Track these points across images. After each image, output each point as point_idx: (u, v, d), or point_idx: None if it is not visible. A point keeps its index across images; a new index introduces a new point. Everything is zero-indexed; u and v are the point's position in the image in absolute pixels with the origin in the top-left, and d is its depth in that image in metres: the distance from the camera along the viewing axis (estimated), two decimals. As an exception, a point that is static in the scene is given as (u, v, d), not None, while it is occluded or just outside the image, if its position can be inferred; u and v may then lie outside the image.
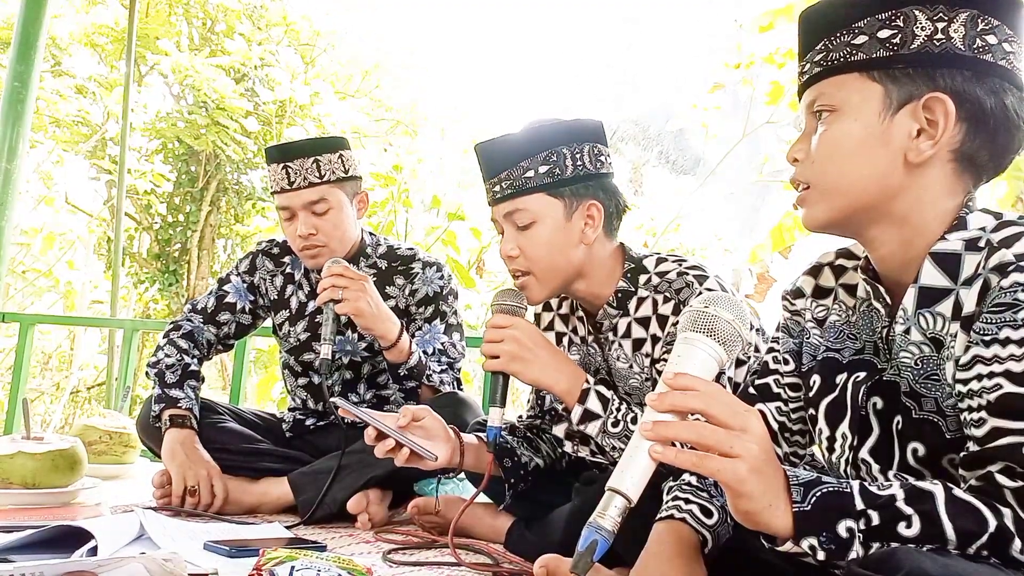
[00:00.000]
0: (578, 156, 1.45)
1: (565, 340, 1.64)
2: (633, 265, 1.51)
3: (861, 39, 0.92)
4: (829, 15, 0.95)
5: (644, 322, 1.47)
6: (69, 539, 1.29)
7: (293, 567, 1.12)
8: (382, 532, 1.76)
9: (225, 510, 1.87)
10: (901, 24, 0.90)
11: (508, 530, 1.62)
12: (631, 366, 1.50)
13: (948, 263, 0.90)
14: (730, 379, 1.40)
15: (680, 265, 1.47)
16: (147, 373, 2.05)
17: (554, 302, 1.66)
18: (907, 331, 0.93)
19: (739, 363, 1.42)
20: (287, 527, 1.71)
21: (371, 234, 2.14)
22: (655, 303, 1.46)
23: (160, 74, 9.24)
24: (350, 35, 10.08)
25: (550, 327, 1.66)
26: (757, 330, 1.47)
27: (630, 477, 0.84)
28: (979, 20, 0.88)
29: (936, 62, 0.89)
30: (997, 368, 0.82)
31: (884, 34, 0.90)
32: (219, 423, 2.04)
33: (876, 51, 0.91)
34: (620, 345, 1.50)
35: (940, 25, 0.88)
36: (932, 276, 0.91)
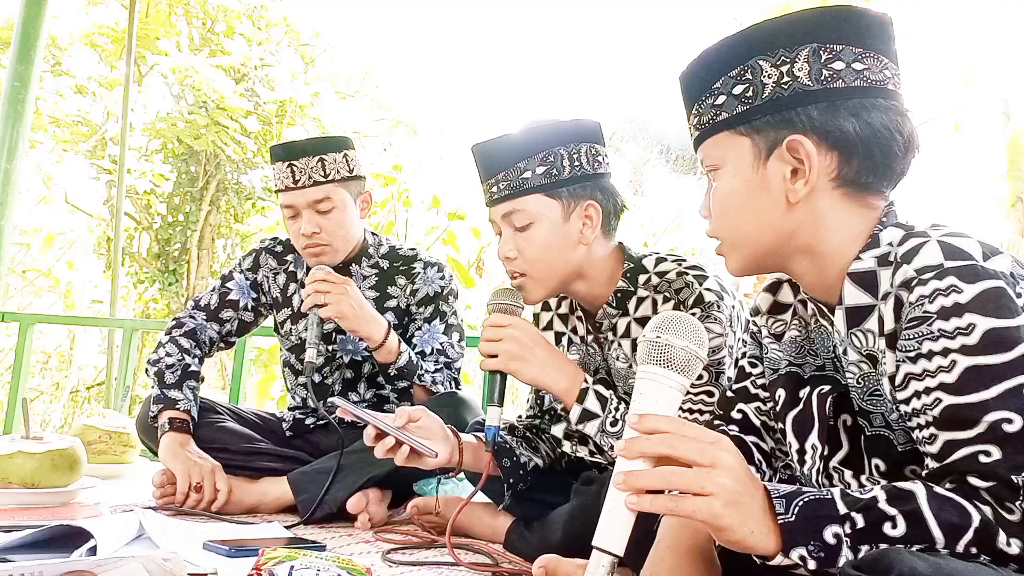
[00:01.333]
0: (575, 156, 1.45)
1: (564, 340, 1.64)
2: (632, 265, 1.50)
3: (722, 99, 0.96)
4: (693, 80, 1.00)
5: (644, 322, 1.47)
6: (69, 539, 1.29)
7: (292, 567, 1.12)
8: (382, 532, 1.76)
9: (225, 510, 1.87)
10: (750, 77, 0.93)
11: (507, 530, 1.62)
12: (630, 366, 1.50)
13: (866, 280, 0.92)
14: (729, 379, 1.40)
15: (680, 265, 1.47)
16: (147, 371, 2.05)
17: (553, 302, 1.66)
18: (844, 352, 0.95)
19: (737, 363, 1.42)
20: (286, 527, 1.71)
21: (373, 234, 2.14)
22: (655, 303, 1.46)
23: (160, 74, 9.24)
24: (350, 35, 10.08)
25: (549, 327, 1.66)
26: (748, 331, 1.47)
27: (613, 534, 0.85)
28: (821, 51, 0.91)
29: (789, 104, 0.92)
30: (931, 383, 0.83)
31: (738, 90, 0.94)
32: (218, 423, 2.04)
33: (735, 108, 0.95)
34: (619, 345, 1.50)
35: (784, 68, 0.92)
36: (854, 296, 0.93)
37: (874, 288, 0.91)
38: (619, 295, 1.49)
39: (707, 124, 0.98)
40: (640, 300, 1.48)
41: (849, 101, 0.90)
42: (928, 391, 0.83)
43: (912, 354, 0.85)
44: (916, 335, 0.84)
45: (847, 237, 0.94)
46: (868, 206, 0.95)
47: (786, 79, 0.91)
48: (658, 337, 0.91)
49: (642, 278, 1.49)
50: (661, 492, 0.82)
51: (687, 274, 1.44)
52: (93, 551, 1.24)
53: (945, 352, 0.82)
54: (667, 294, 1.44)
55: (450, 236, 5.61)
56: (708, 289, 1.40)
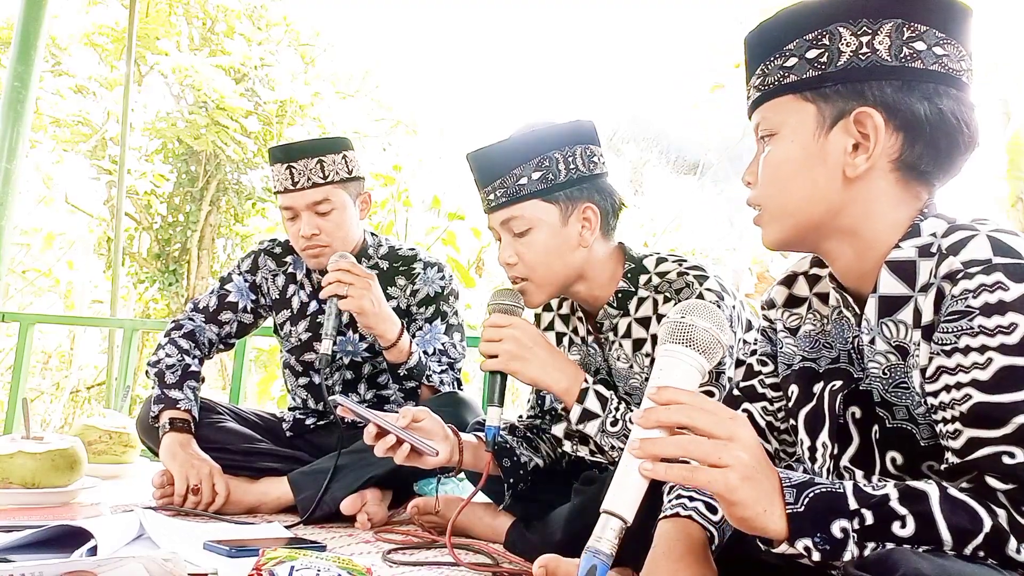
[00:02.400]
0: (570, 159, 1.45)
1: (565, 340, 1.64)
2: (633, 265, 1.50)
3: (792, 61, 0.93)
4: (764, 39, 0.97)
5: (644, 322, 1.47)
6: (69, 539, 1.29)
7: (293, 567, 1.12)
8: (382, 532, 1.76)
9: (225, 510, 1.87)
10: (827, 42, 0.91)
11: (508, 530, 1.62)
12: (631, 366, 1.50)
13: (904, 270, 0.90)
14: (730, 379, 1.40)
15: (680, 265, 1.47)
16: (147, 372, 2.05)
17: (554, 302, 1.66)
18: (872, 341, 0.94)
19: (739, 363, 1.42)
20: (287, 527, 1.71)
21: (373, 234, 2.14)
22: (655, 303, 1.46)
23: (160, 74, 9.24)
24: (350, 35, 10.08)
25: (550, 327, 1.66)
26: (757, 329, 1.47)
27: (624, 498, 0.84)
28: (905, 28, 0.89)
29: (863, 76, 0.89)
30: (964, 378, 0.82)
31: (812, 54, 0.92)
32: (219, 423, 2.03)
33: (806, 71, 0.92)
34: (620, 345, 1.50)
35: (865, 39, 0.89)
36: (890, 285, 0.91)
37: (911, 278, 0.90)
38: (620, 295, 1.49)
39: (771, 85, 0.95)
40: (641, 300, 1.48)
41: (924, 84, 0.88)
42: (959, 386, 0.82)
43: (948, 347, 0.83)
44: (955, 329, 0.83)
45: (891, 224, 0.92)
46: (916, 196, 0.93)
47: (865, 50, 0.89)
48: (683, 317, 0.91)
49: (643, 278, 1.49)
50: (676, 462, 0.82)
51: (688, 274, 1.44)
52: (93, 551, 1.24)
53: (982, 349, 0.81)
54: (667, 294, 1.44)
55: (450, 236, 5.61)
56: (709, 289, 1.40)
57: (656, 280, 1.47)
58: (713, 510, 1.07)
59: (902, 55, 0.88)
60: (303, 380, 2.15)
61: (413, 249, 2.13)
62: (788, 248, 1.00)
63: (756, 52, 0.97)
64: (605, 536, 0.83)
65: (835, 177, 0.92)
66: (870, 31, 0.89)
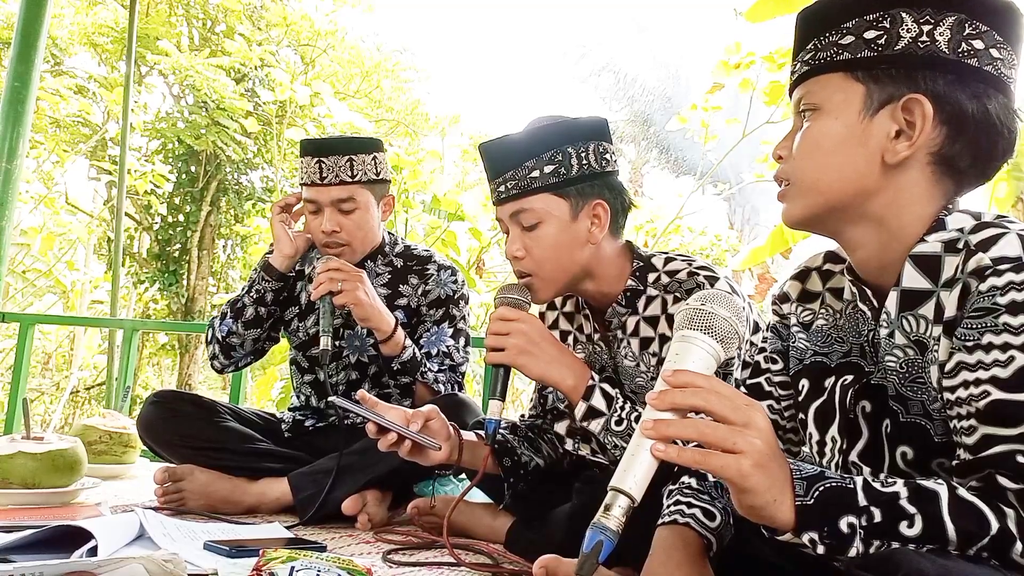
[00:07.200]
0: (583, 155, 1.44)
1: (570, 339, 1.63)
2: (641, 263, 1.50)
3: (848, 39, 0.92)
4: (821, 15, 0.96)
5: (652, 321, 1.46)
6: (69, 539, 1.29)
7: (293, 567, 1.12)
8: (382, 532, 1.76)
9: (224, 509, 1.87)
10: (888, 25, 0.90)
11: (508, 530, 1.62)
12: (638, 365, 1.49)
13: (928, 265, 0.90)
14: (736, 380, 1.40)
15: (690, 265, 1.46)
16: (220, 316, 2.08)
17: (558, 300, 1.66)
18: (891, 334, 0.93)
19: (746, 365, 1.42)
20: (287, 527, 1.71)
21: (390, 233, 2.17)
22: (664, 302, 1.45)
23: (160, 74, 9.25)
24: (350, 35, 10.08)
25: (554, 325, 1.65)
26: (766, 327, 1.46)
27: (632, 476, 0.82)
28: (966, 24, 0.88)
29: (918, 64, 0.89)
30: (983, 375, 0.81)
31: (870, 35, 0.91)
32: (220, 422, 2.04)
33: (861, 51, 0.91)
34: (628, 343, 1.50)
35: (926, 28, 0.89)
36: (913, 279, 0.91)
37: (935, 273, 0.89)
38: (628, 293, 1.48)
39: (822, 60, 0.94)
40: (650, 299, 1.47)
41: (975, 83, 0.88)
42: (978, 383, 0.82)
43: (970, 343, 0.83)
44: (978, 325, 0.82)
45: (917, 217, 0.92)
46: (945, 193, 0.92)
47: (924, 39, 0.89)
48: (703, 305, 0.91)
49: (651, 276, 1.48)
50: (687, 446, 0.81)
51: (698, 274, 1.43)
52: (93, 551, 1.24)
53: (1005, 347, 0.80)
54: (678, 294, 1.43)
55: (450, 236, 5.59)
56: (719, 289, 1.40)
57: (665, 279, 1.46)
58: (711, 517, 1.07)
59: (960, 50, 0.88)
60: (308, 377, 2.17)
61: (428, 251, 2.15)
62: (809, 228, 0.99)
63: (810, 26, 0.97)
64: (612, 514, 0.82)
65: (873, 161, 0.92)
66: (932, 21, 0.89)
